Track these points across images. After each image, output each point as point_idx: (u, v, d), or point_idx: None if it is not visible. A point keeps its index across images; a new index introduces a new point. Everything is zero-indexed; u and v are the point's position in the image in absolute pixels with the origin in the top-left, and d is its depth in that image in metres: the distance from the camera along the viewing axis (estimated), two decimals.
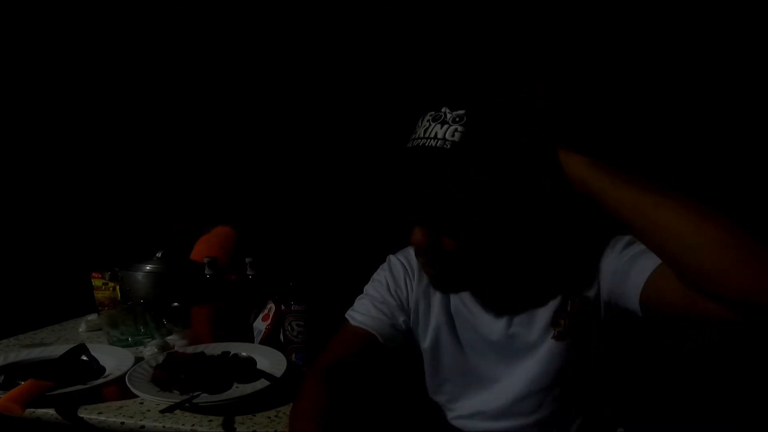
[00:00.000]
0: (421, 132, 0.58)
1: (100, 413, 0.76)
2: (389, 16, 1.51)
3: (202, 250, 1.37)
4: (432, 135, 0.56)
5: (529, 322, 0.67)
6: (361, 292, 0.81)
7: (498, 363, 0.71)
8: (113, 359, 0.92)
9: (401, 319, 0.76)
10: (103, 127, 1.75)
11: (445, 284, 0.67)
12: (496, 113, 0.57)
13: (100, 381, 0.83)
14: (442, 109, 0.58)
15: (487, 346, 0.70)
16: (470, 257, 0.61)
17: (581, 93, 1.39)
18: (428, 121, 0.58)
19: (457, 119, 0.56)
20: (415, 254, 0.67)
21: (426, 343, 0.76)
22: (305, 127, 1.69)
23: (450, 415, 0.78)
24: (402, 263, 0.78)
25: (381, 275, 0.80)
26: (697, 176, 1.39)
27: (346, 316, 0.78)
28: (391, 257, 0.81)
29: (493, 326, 0.69)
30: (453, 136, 0.55)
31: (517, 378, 0.69)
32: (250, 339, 1.03)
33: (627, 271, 0.59)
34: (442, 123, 0.56)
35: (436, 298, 0.74)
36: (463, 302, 0.72)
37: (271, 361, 0.89)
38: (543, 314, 0.66)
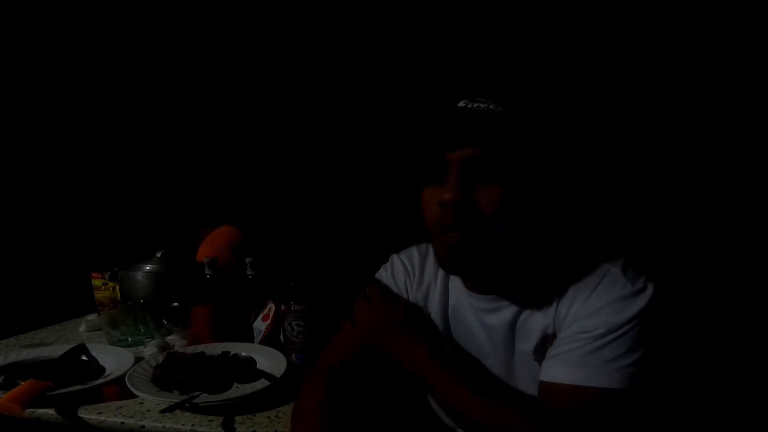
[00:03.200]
0: (461, 104, 0.60)
1: (100, 413, 0.76)
2: (391, 18, 1.51)
3: (206, 250, 1.36)
4: (476, 106, 0.59)
5: (527, 337, 0.64)
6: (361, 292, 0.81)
7: (491, 375, 0.68)
8: (113, 359, 0.92)
9: None
10: (104, 127, 1.75)
11: (464, 254, 0.59)
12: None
13: (100, 381, 0.83)
14: (477, 98, 0.60)
15: (483, 357, 0.69)
16: (501, 218, 0.57)
17: (581, 93, 1.40)
18: (464, 102, 0.61)
19: (493, 102, 0.59)
20: (439, 216, 0.59)
21: None
22: (306, 127, 1.69)
23: (442, 421, 0.76)
24: (404, 263, 0.77)
25: (381, 275, 0.79)
26: (697, 176, 1.39)
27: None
28: (394, 257, 0.79)
29: (491, 337, 0.67)
30: (497, 108, 0.58)
31: (509, 392, 0.67)
32: (250, 339, 1.02)
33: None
34: (482, 102, 0.59)
35: (434, 303, 0.73)
36: (462, 310, 0.70)
37: (271, 361, 0.89)
38: (541, 331, 0.63)
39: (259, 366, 0.88)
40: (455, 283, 0.72)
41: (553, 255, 0.64)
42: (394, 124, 1.46)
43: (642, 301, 0.55)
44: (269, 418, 0.75)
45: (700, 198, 1.37)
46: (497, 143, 0.57)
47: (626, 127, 1.41)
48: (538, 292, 0.63)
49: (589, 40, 1.39)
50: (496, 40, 1.45)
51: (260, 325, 1.02)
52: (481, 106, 0.59)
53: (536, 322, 0.63)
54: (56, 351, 0.94)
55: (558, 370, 0.56)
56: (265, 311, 1.03)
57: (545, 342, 0.62)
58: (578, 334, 0.56)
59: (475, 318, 0.68)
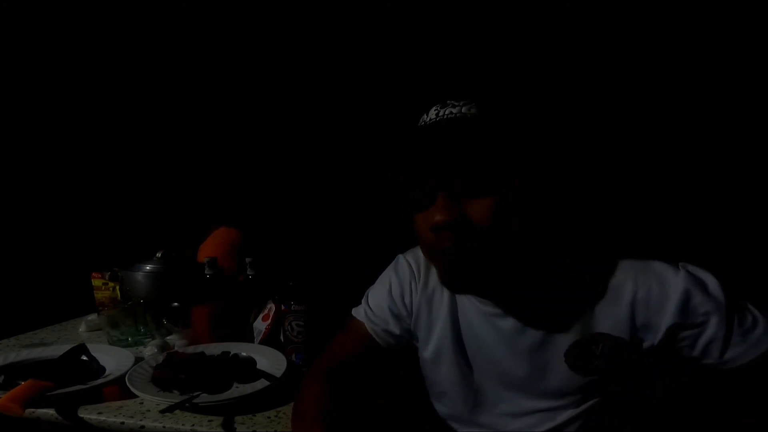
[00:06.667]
0: (432, 115, 0.57)
1: (100, 413, 0.76)
2: (391, 20, 1.51)
3: (206, 252, 1.36)
4: (447, 113, 0.55)
5: (552, 340, 0.61)
6: (361, 292, 0.80)
7: (502, 386, 0.66)
8: (113, 359, 0.92)
9: (400, 323, 0.73)
10: (104, 127, 1.75)
11: (467, 268, 0.56)
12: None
13: (100, 381, 0.83)
14: (448, 102, 0.57)
15: (496, 362, 0.66)
16: (499, 226, 0.54)
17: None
18: (436, 109, 0.57)
19: (467, 103, 0.55)
20: (435, 241, 0.56)
21: (427, 353, 0.72)
22: (306, 127, 1.69)
23: (448, 424, 0.75)
24: (410, 264, 0.74)
25: (386, 276, 0.77)
26: (697, 176, 1.39)
27: (353, 312, 0.78)
28: (400, 257, 0.77)
29: (504, 341, 0.64)
30: (470, 110, 0.54)
31: (521, 401, 0.65)
32: (250, 339, 1.03)
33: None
34: (453, 106, 0.56)
35: (442, 308, 0.70)
36: (471, 319, 0.68)
37: (271, 361, 0.89)
38: (562, 342, 0.61)
39: (259, 366, 0.88)
40: None
41: (554, 254, 0.63)
42: (392, 125, 1.46)
43: (688, 272, 0.57)
44: (269, 418, 0.75)
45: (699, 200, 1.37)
46: (477, 151, 0.52)
47: (622, 123, 1.41)
48: (552, 292, 0.61)
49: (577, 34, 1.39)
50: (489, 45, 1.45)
51: (260, 325, 1.02)
52: (452, 112, 0.55)
53: (564, 324, 0.61)
54: (56, 351, 0.94)
55: (738, 353, 0.55)
56: (265, 311, 1.03)
57: (588, 345, 0.60)
58: (720, 322, 0.55)
59: (485, 323, 0.66)
